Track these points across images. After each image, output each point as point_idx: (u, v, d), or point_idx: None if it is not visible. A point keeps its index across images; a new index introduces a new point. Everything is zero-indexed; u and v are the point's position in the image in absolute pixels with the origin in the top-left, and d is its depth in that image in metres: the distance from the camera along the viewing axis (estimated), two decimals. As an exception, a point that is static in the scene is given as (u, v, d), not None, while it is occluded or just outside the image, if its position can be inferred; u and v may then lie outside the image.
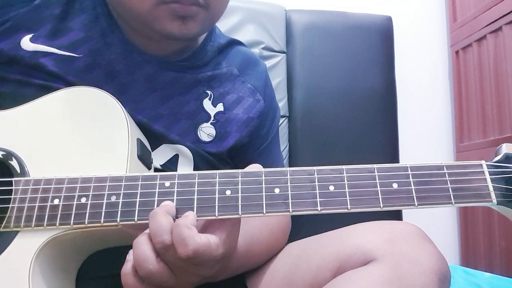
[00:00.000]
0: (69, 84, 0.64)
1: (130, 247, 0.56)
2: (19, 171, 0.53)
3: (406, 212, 1.54)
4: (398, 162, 1.55)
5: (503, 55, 1.52)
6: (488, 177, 0.52)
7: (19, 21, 0.64)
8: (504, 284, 1.24)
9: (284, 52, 1.55)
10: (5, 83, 0.63)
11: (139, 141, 0.58)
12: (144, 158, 0.59)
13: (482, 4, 1.62)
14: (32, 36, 0.65)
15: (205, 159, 0.72)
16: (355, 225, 0.64)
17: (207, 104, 0.74)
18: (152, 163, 0.63)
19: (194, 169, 0.71)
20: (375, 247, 0.57)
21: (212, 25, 0.72)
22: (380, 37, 1.61)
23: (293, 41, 1.55)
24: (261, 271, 0.70)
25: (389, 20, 1.63)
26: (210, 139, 0.73)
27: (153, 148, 0.67)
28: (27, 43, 0.64)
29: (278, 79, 1.52)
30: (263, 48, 1.52)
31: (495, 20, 1.54)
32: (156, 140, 0.67)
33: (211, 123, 0.74)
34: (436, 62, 1.86)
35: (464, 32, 1.72)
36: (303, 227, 0.85)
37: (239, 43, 0.86)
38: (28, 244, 0.49)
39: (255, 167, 0.53)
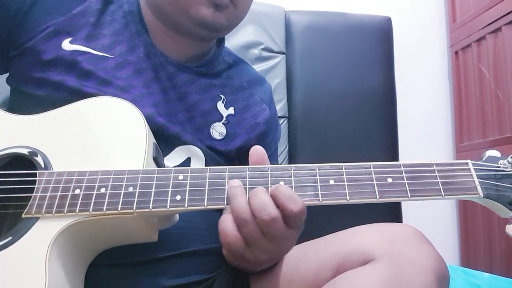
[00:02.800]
0: (100, 79, 0.70)
1: (139, 245, 0.59)
2: (43, 166, 0.57)
3: (406, 213, 1.54)
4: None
5: (502, 56, 1.52)
6: (474, 173, 0.57)
7: (59, 27, 0.73)
8: (503, 285, 1.25)
9: (283, 53, 1.56)
10: (43, 86, 0.70)
11: (155, 145, 0.63)
12: (158, 160, 0.63)
13: (481, 5, 1.62)
14: (71, 39, 0.73)
15: (216, 160, 0.77)
16: (355, 227, 0.66)
17: (220, 106, 0.81)
18: (164, 165, 0.67)
19: None
20: (374, 247, 0.59)
21: (234, 26, 0.80)
22: (379, 38, 1.61)
23: (293, 42, 1.56)
24: (263, 272, 0.71)
25: (388, 20, 1.64)
26: (221, 137, 0.79)
27: (168, 151, 0.72)
28: (67, 44, 0.72)
29: (277, 80, 1.52)
30: (262, 49, 1.52)
31: (495, 21, 1.54)
32: (170, 143, 0.72)
33: (223, 123, 0.80)
34: (435, 63, 1.87)
35: (464, 33, 1.73)
36: (303, 229, 0.86)
37: (245, 62, 0.95)
38: (47, 229, 0.52)
39: (258, 150, 0.60)
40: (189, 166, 0.74)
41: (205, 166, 0.75)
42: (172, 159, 0.72)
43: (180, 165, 0.73)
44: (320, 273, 0.62)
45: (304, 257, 0.66)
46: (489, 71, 1.59)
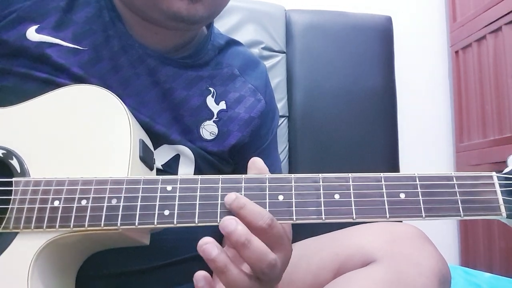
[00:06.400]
0: (74, 76, 0.63)
1: (132, 247, 0.56)
2: (19, 171, 0.53)
3: (406, 212, 1.54)
4: (397, 162, 1.56)
5: (502, 55, 1.52)
6: (498, 189, 0.50)
7: (24, 12, 0.64)
8: (503, 284, 1.24)
9: (284, 52, 1.55)
10: (8, 76, 0.63)
11: (141, 142, 0.57)
12: (146, 159, 0.58)
13: (482, 4, 1.62)
14: (38, 27, 0.64)
15: (207, 160, 0.71)
16: (356, 226, 0.64)
17: (210, 101, 0.74)
18: (154, 163, 0.62)
19: (196, 169, 0.70)
20: (376, 248, 0.58)
21: (217, 14, 0.71)
22: (380, 37, 1.61)
23: (293, 41, 1.55)
24: None
25: (388, 20, 1.63)
26: (212, 137, 0.72)
27: (154, 148, 0.66)
28: (32, 34, 0.64)
29: (278, 79, 1.51)
30: (263, 48, 1.52)
31: (495, 20, 1.54)
32: (157, 140, 0.66)
33: (213, 121, 0.73)
34: (436, 62, 1.86)
35: (464, 32, 1.72)
36: (303, 228, 0.85)
37: (237, 43, 0.85)
38: (27, 246, 0.48)
39: (257, 163, 0.52)
40: (178, 163, 0.68)
41: (195, 166, 0.70)
42: (159, 157, 0.67)
43: (168, 162, 0.68)
44: (320, 274, 0.61)
45: (304, 257, 0.65)
46: (489, 71, 1.59)
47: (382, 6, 1.80)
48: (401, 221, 0.50)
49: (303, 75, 1.53)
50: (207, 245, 0.44)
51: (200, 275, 0.47)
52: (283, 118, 1.51)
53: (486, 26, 1.59)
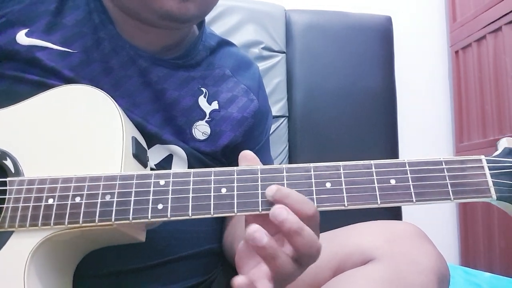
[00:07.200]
0: (65, 79, 0.64)
1: (128, 246, 0.56)
2: (13, 171, 0.53)
3: (406, 212, 1.54)
4: (397, 162, 1.55)
5: (502, 55, 1.52)
6: (487, 172, 0.50)
7: (14, 16, 0.65)
8: (503, 284, 1.24)
9: (283, 52, 1.55)
10: (0, 80, 0.63)
11: (134, 139, 0.58)
12: (140, 156, 0.58)
13: (482, 4, 1.62)
14: (28, 31, 0.65)
15: (199, 160, 0.71)
16: (355, 225, 0.64)
17: (202, 101, 0.74)
18: (148, 161, 0.62)
19: (189, 168, 0.70)
20: (375, 246, 0.57)
21: (208, 12, 0.71)
22: (380, 37, 1.61)
23: (293, 41, 1.55)
24: None
25: (388, 20, 1.63)
26: (204, 137, 0.73)
27: (147, 148, 0.66)
28: (22, 37, 0.64)
29: (277, 79, 1.52)
30: (262, 48, 1.51)
31: (495, 20, 1.54)
32: (150, 140, 0.67)
33: (206, 121, 0.73)
34: (435, 62, 1.86)
35: (464, 32, 1.72)
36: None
37: (230, 43, 0.85)
38: (23, 244, 0.49)
39: (247, 155, 0.52)
40: (171, 163, 0.69)
41: (188, 166, 0.70)
42: (152, 156, 0.67)
43: (161, 162, 0.68)
44: (319, 273, 0.60)
45: None
46: (489, 71, 1.59)
47: (382, 6, 1.80)
48: (392, 206, 0.50)
49: (303, 75, 1.53)
50: (257, 233, 0.44)
51: (242, 281, 0.45)
52: (283, 118, 1.51)
53: (486, 26, 1.59)
